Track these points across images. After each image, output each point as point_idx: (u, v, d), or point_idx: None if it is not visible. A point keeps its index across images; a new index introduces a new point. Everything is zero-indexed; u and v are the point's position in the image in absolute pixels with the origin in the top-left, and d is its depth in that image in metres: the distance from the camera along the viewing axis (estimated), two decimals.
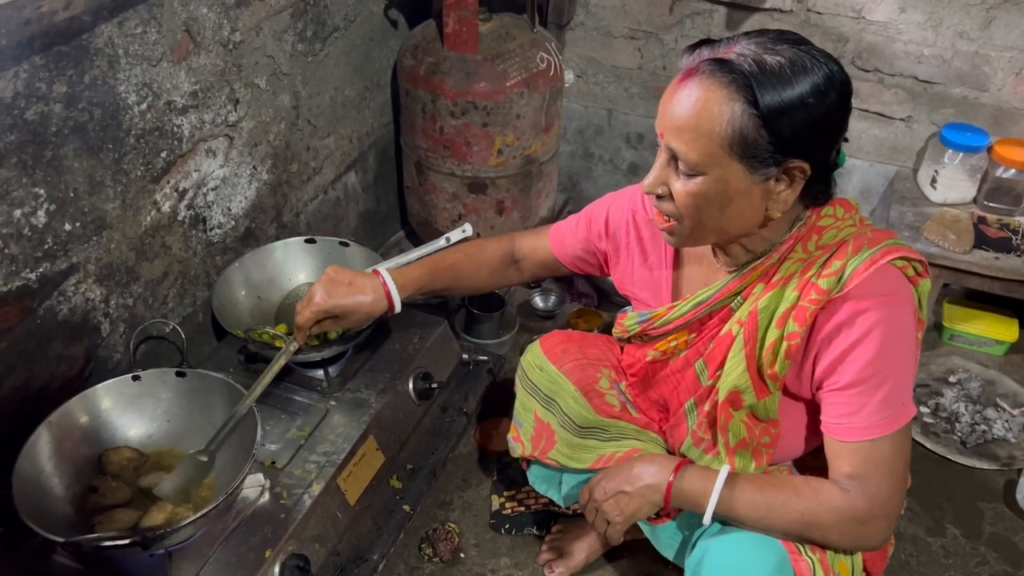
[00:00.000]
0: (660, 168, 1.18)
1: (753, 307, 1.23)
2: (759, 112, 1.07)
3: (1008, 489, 1.99)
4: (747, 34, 1.14)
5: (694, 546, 1.29)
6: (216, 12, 1.69)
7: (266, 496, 1.53)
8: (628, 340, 1.47)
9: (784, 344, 1.20)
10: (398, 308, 1.50)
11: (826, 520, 1.18)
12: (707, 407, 1.32)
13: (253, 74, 1.85)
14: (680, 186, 1.16)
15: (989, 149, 2.27)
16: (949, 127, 2.31)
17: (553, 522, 1.86)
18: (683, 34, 2.55)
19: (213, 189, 1.82)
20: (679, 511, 1.38)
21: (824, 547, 1.22)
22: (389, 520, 1.71)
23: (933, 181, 2.32)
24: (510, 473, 1.97)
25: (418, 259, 1.68)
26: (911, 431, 1.22)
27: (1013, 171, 2.23)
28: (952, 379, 2.27)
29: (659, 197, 1.20)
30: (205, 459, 1.47)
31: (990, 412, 2.16)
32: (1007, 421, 2.14)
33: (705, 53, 1.13)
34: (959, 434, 2.12)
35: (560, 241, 1.56)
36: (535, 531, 1.85)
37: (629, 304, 1.53)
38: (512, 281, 1.66)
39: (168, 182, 1.69)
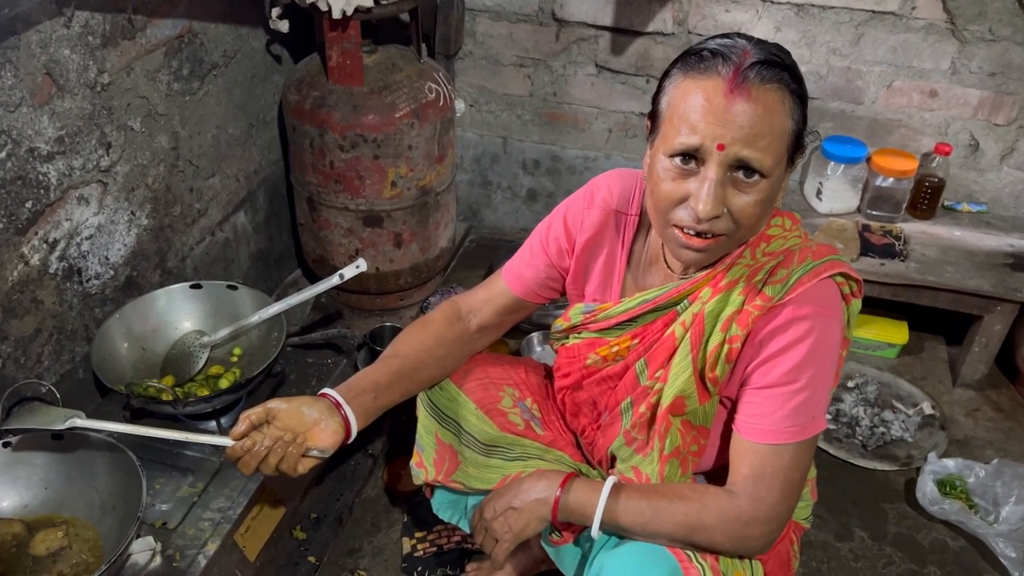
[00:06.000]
0: (718, 186, 1.09)
1: (700, 311, 1.22)
2: (803, 105, 1.11)
3: (909, 488, 2.04)
4: (742, 36, 1.13)
5: (592, 563, 1.27)
6: (80, 54, 1.61)
7: (157, 560, 1.44)
8: (567, 337, 1.42)
9: (726, 347, 1.20)
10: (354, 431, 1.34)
11: (709, 521, 1.18)
12: (643, 408, 1.29)
13: (126, 116, 1.76)
14: (744, 198, 1.11)
15: (868, 160, 2.35)
16: (830, 140, 2.39)
17: (467, 560, 1.81)
18: (570, 60, 2.58)
19: (88, 238, 1.72)
20: (579, 532, 1.36)
21: (712, 552, 1.21)
22: (294, 574, 1.64)
23: (819, 192, 2.40)
24: (421, 513, 1.91)
25: (312, 297, 1.61)
26: (816, 444, 1.23)
27: (891, 180, 2.32)
28: (850, 384, 2.33)
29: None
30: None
31: (887, 414, 2.22)
32: (904, 421, 2.20)
33: (740, 58, 1.08)
34: (860, 438, 2.17)
35: (519, 278, 1.47)
36: (449, 571, 1.80)
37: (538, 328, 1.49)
38: (476, 347, 1.54)
39: (36, 233, 1.59)
